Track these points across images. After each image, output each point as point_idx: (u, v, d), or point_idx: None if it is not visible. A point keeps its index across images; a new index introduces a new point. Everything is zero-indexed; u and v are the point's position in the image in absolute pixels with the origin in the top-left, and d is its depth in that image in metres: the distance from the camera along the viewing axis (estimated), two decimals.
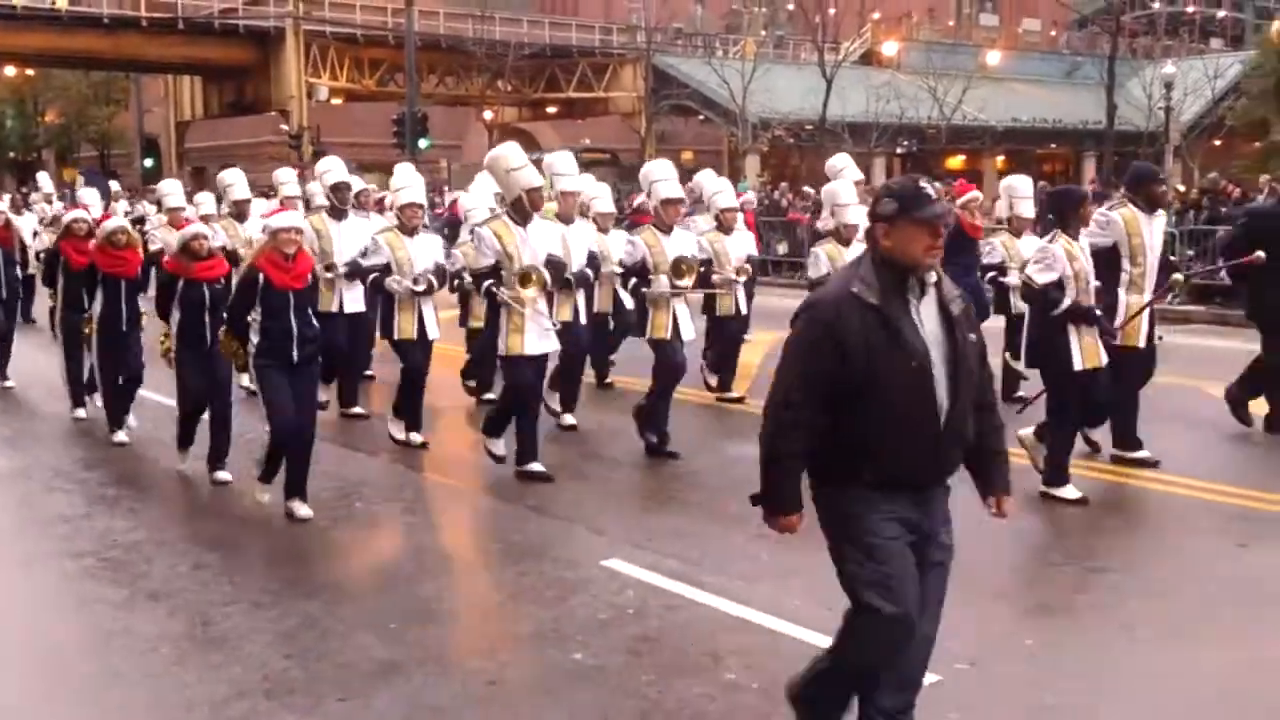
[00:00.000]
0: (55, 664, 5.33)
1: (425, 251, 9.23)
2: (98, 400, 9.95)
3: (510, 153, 8.21)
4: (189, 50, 42.88)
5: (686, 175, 12.40)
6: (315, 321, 7.49)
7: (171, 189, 13.52)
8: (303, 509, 7.35)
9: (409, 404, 9.28)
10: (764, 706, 4.62)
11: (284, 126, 40.90)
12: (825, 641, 5.27)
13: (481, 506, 7.94)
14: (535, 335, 8.01)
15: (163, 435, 9.17)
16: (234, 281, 8.01)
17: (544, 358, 8.31)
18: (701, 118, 44.80)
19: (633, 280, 9.35)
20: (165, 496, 8.24)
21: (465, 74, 45.10)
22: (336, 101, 44.68)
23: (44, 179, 22.63)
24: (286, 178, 12.50)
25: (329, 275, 9.76)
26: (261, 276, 7.18)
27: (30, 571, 6.61)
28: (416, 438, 9.22)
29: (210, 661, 5.22)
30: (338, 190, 10.39)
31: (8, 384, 12.02)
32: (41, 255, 13.24)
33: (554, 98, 47.99)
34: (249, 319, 7.24)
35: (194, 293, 8.20)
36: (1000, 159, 46.45)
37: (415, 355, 9.19)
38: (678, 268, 8.99)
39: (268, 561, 6.70)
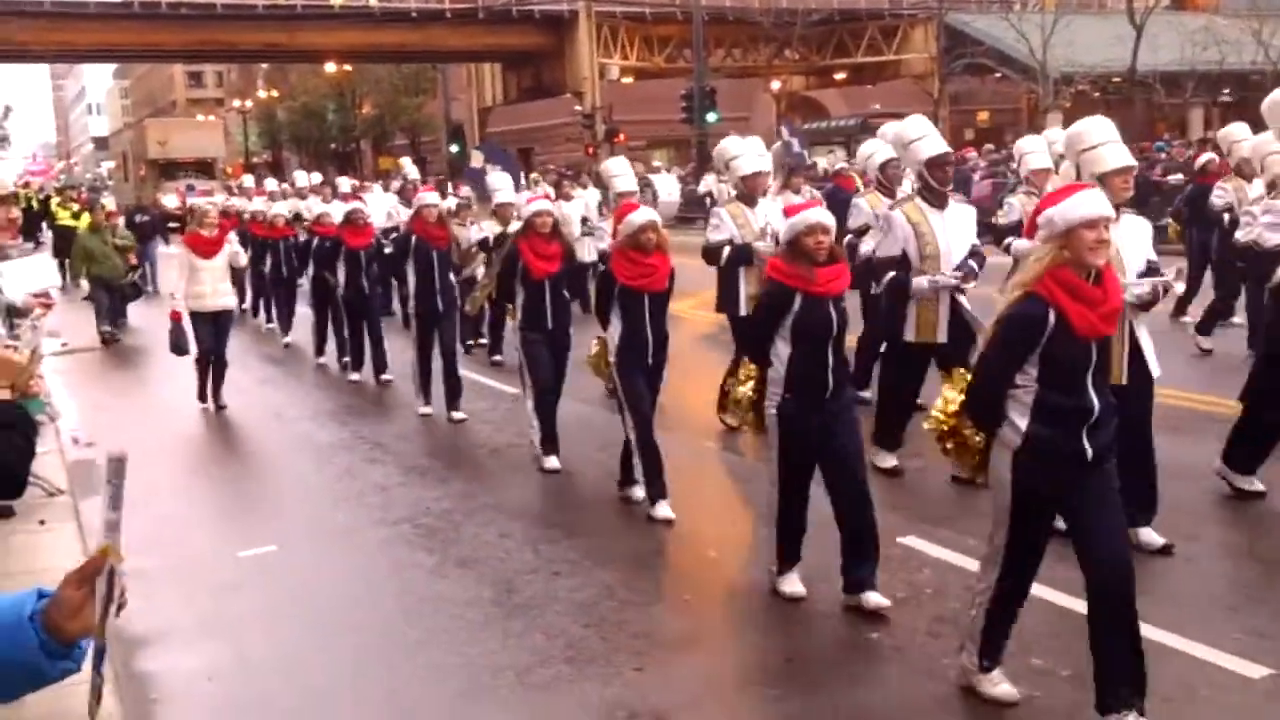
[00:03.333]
0: (377, 627, 5.65)
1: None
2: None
3: (911, 125, 7.32)
4: (489, 39, 44.91)
5: (986, 136, 11.65)
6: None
7: (620, 169, 10.27)
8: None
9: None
10: (1075, 694, 4.36)
11: (578, 107, 42.14)
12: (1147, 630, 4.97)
13: (754, 476, 7.87)
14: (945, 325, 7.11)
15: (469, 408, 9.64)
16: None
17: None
18: (999, 75, 43.03)
19: None
20: (472, 467, 8.60)
21: (752, 45, 45.10)
22: (627, 80, 45.66)
23: (408, 164, 19.78)
24: (620, 169, 10.22)
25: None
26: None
27: (352, 539, 7.04)
28: None
29: (514, 629, 5.41)
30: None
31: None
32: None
33: (842, 64, 47.33)
34: None
35: (819, 313, 5.34)
36: None
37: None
38: None
39: (567, 531, 6.88)
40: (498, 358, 12.28)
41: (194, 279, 10.59)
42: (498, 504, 7.50)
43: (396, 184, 18.86)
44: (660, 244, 6.89)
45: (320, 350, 13.07)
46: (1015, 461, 4.16)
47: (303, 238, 14.15)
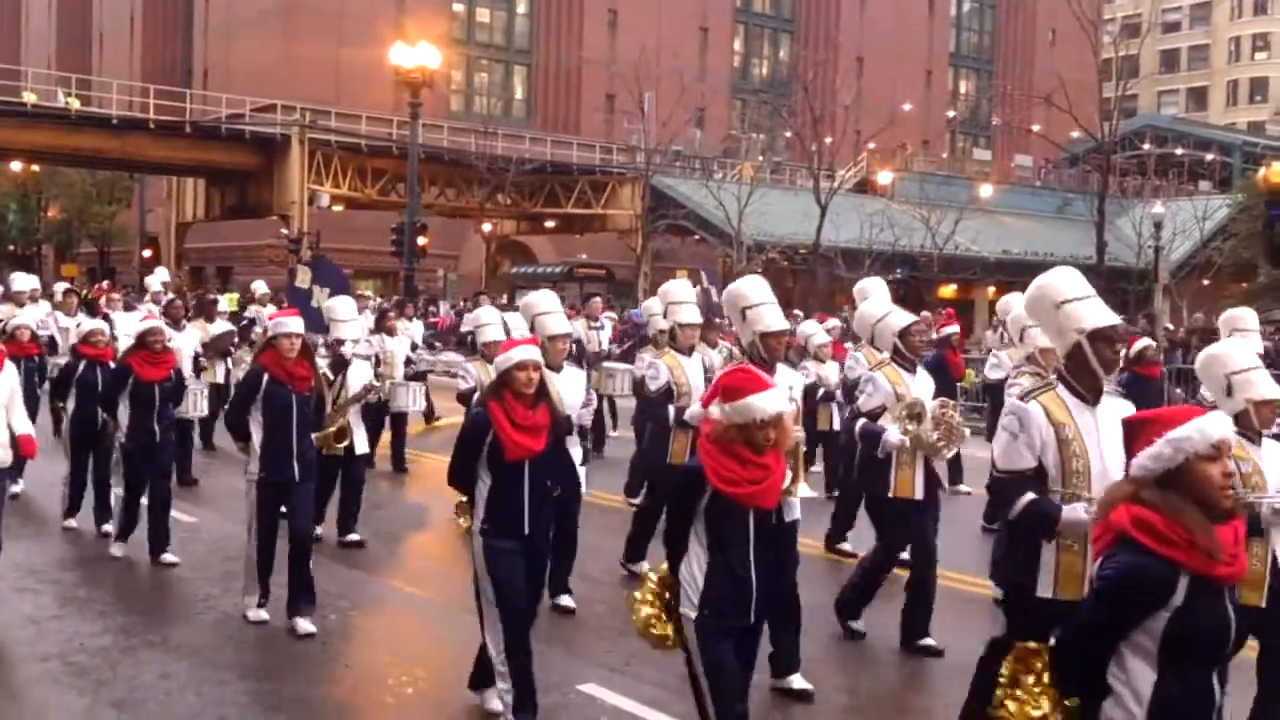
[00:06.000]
0: None
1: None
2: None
3: (874, 289, 7.05)
4: (194, 154, 43.48)
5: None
6: None
7: (490, 318, 8.74)
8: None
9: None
10: None
11: (284, 231, 41.27)
12: None
13: (457, 625, 7.78)
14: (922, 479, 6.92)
15: (139, 534, 9.09)
16: None
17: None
18: (697, 238, 45.33)
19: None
20: (138, 601, 8.07)
21: (466, 186, 45.66)
22: (338, 208, 45.09)
23: (162, 274, 17.07)
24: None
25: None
26: None
27: None
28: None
29: None
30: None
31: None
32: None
33: (552, 212, 48.54)
34: None
35: (1215, 613, 3.18)
36: (992, 289, 46.91)
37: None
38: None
39: (239, 673, 6.54)
40: (353, 536, 9.66)
41: None
42: (162, 641, 7.06)
43: (153, 298, 16.46)
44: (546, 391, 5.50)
45: (74, 509, 9.91)
46: None
47: (58, 359, 11.48)
